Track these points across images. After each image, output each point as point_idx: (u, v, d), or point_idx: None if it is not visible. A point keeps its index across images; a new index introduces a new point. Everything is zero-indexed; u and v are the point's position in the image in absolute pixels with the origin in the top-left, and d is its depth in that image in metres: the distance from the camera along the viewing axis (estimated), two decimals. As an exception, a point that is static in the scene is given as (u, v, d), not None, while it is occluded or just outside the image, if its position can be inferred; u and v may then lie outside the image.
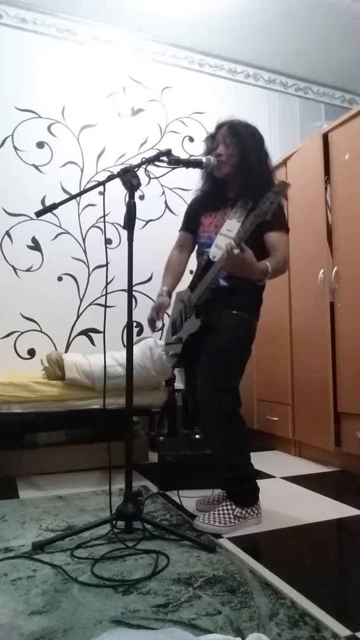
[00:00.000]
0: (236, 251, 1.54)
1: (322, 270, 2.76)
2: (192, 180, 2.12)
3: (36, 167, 3.25)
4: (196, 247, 2.06)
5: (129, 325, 1.72)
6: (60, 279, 3.26)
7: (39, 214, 1.74)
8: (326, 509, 2.01)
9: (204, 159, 1.82)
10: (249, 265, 1.60)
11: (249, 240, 1.58)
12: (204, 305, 1.85)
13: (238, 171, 1.86)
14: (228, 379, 1.83)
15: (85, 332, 3.30)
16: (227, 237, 1.76)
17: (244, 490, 1.84)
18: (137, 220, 1.83)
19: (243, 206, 1.84)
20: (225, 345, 1.82)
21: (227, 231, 1.83)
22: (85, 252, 3.34)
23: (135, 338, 2.96)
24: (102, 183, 1.71)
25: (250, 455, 1.88)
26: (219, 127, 1.93)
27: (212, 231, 1.93)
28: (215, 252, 1.85)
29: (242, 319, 1.86)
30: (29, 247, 3.20)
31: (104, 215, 2.09)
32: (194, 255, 2.10)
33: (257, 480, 1.89)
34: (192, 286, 1.95)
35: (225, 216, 1.90)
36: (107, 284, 2.33)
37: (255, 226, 1.54)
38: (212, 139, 1.95)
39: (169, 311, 2.11)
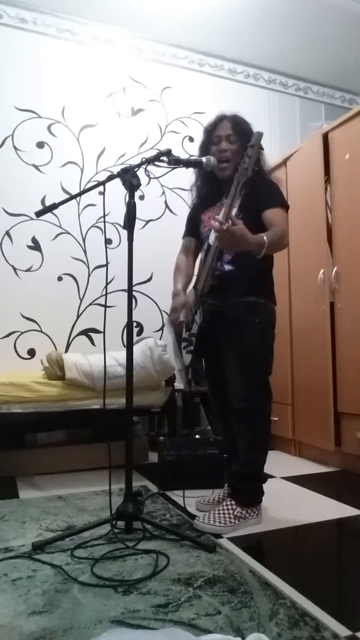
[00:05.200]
0: (225, 226, 1.52)
1: (322, 270, 2.76)
2: (192, 181, 2.12)
3: (36, 167, 3.25)
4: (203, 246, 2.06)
5: (129, 325, 1.72)
6: (60, 279, 3.26)
7: (39, 214, 1.74)
8: (326, 509, 2.01)
9: (204, 159, 1.81)
10: (240, 237, 1.56)
11: (248, 221, 1.58)
12: (212, 294, 1.83)
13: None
14: (257, 372, 1.84)
15: (85, 332, 3.30)
16: None
17: (251, 488, 1.84)
18: (137, 220, 1.83)
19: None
20: (246, 338, 1.81)
21: (216, 217, 1.82)
22: (85, 252, 3.33)
23: (135, 338, 2.96)
24: (102, 183, 1.71)
25: (267, 457, 1.89)
26: (219, 119, 1.91)
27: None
28: (213, 237, 1.84)
29: (258, 304, 1.85)
30: (29, 247, 3.20)
31: (104, 215, 2.09)
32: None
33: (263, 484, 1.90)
34: (198, 280, 1.95)
35: (222, 207, 1.89)
36: (107, 284, 2.33)
37: (253, 204, 1.53)
38: (209, 133, 1.92)
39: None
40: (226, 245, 1.63)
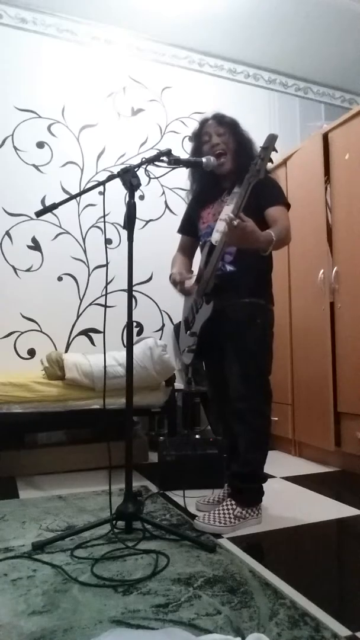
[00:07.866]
0: (235, 222, 1.52)
1: (322, 270, 2.76)
2: (189, 182, 2.11)
3: (36, 167, 3.25)
4: (200, 243, 2.04)
5: (129, 325, 1.72)
6: (60, 279, 3.26)
7: (39, 214, 1.74)
8: (326, 509, 2.01)
9: (204, 159, 1.81)
10: (251, 233, 1.57)
11: (250, 218, 1.58)
12: (213, 293, 1.83)
13: (237, 160, 1.86)
14: (257, 372, 1.84)
15: (85, 332, 3.30)
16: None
17: (251, 488, 1.84)
18: (137, 220, 1.83)
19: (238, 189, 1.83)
20: (247, 339, 1.82)
21: (226, 215, 1.82)
22: (85, 252, 3.33)
23: (135, 338, 2.96)
24: (102, 183, 1.71)
25: (267, 457, 1.89)
26: (204, 121, 1.94)
27: (211, 219, 1.93)
28: (216, 236, 1.83)
29: (258, 305, 1.85)
30: (29, 247, 3.20)
31: (104, 215, 2.08)
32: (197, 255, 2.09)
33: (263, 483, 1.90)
34: (199, 278, 1.94)
35: (223, 204, 1.90)
36: (107, 284, 2.32)
37: (255, 202, 1.53)
38: (197, 137, 1.94)
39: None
40: (235, 241, 1.62)
